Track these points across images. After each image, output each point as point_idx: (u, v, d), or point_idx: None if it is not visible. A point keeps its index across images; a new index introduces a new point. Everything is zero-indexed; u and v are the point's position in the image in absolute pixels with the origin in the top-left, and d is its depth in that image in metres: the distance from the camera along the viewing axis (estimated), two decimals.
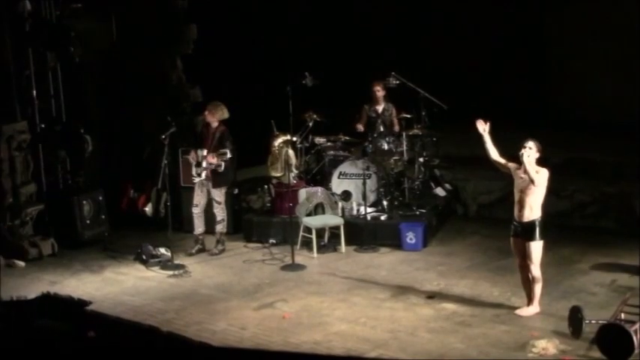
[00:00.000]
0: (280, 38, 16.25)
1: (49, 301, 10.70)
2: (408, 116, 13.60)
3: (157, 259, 11.79)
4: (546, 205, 9.48)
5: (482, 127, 9.51)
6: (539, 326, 9.12)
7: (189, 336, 9.24)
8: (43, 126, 13.08)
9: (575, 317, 8.73)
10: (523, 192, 9.25)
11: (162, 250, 11.92)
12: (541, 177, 9.18)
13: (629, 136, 15.64)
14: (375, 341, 8.93)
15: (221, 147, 11.93)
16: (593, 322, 8.59)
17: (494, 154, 9.52)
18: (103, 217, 13.09)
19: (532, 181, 9.13)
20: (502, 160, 9.48)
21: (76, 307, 10.33)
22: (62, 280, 11.24)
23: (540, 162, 9.31)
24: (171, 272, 11.41)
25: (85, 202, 12.83)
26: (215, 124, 12.07)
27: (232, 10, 15.45)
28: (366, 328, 9.31)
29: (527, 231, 9.25)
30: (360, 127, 13.66)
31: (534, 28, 18.18)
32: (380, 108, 13.67)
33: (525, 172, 9.15)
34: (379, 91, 13.64)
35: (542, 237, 9.26)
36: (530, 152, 9.19)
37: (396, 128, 13.66)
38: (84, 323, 9.72)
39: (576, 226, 12.74)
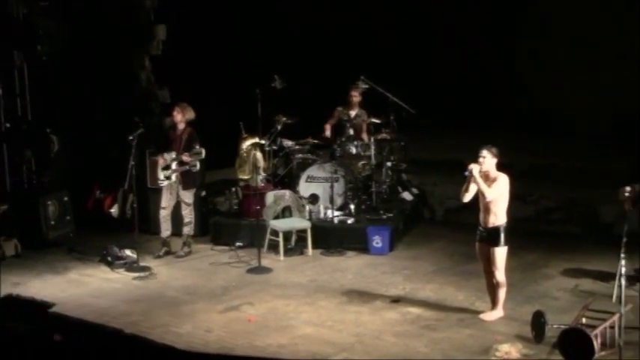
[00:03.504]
0: (250, 40, 16.25)
1: (12, 302, 10.59)
2: (378, 121, 13.66)
3: (122, 261, 11.73)
4: (512, 211, 9.54)
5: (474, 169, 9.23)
6: (503, 330, 9.18)
7: (154, 338, 9.17)
8: (8, 125, 12.98)
9: (538, 322, 8.80)
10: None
11: (128, 252, 11.85)
12: (500, 184, 9.21)
13: (596, 142, 15.83)
14: (341, 345, 8.95)
15: (190, 149, 11.90)
16: (555, 326, 8.66)
17: (468, 197, 9.43)
18: (69, 217, 13.01)
19: (483, 195, 9.18)
20: (469, 190, 9.39)
21: (39, 308, 10.23)
22: (26, 282, 11.14)
23: (500, 167, 9.35)
24: (136, 274, 11.36)
25: (50, 202, 12.75)
26: (182, 126, 12.04)
27: (202, 11, 15.41)
28: (332, 332, 9.32)
29: (491, 236, 9.31)
30: (328, 130, 13.67)
31: (503, 34, 18.31)
32: (353, 113, 13.71)
33: (478, 185, 9.17)
34: (356, 97, 13.70)
35: (506, 242, 9.31)
36: (485, 161, 9.22)
37: (364, 136, 13.69)
38: (47, 325, 9.64)
39: (541, 232, 12.84)
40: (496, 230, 9.27)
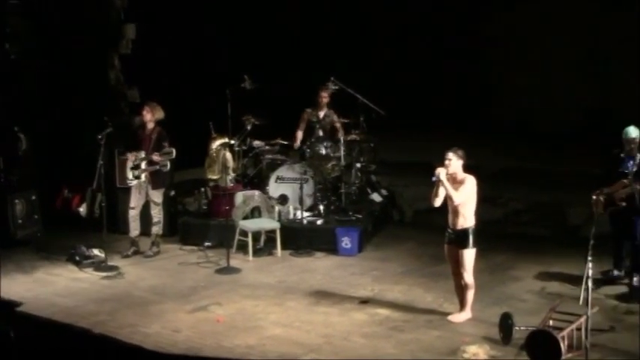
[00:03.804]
0: (221, 41, 16.22)
1: None
2: (346, 121, 13.69)
3: (90, 261, 11.68)
4: (481, 213, 9.60)
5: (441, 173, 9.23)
6: (471, 332, 9.23)
7: (121, 338, 9.14)
8: None
9: (506, 323, 8.85)
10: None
11: (96, 252, 11.80)
12: (467, 187, 9.25)
13: (565, 145, 15.96)
14: (309, 345, 8.95)
15: (159, 148, 11.85)
16: (522, 328, 8.71)
17: (439, 202, 9.44)
18: (36, 216, 12.92)
19: (451, 199, 9.23)
20: (439, 194, 9.39)
21: (5, 307, 10.16)
22: None
23: (469, 169, 9.40)
24: (104, 274, 11.31)
25: (17, 201, 12.65)
26: (151, 126, 12.00)
27: (172, 11, 15.36)
28: (300, 333, 9.32)
29: (460, 239, 9.35)
30: (298, 139, 13.65)
31: (474, 38, 18.41)
32: (321, 114, 13.72)
33: (445, 188, 9.22)
34: (325, 98, 13.69)
35: (475, 245, 9.35)
36: (451, 163, 9.26)
37: (340, 133, 13.67)
38: (13, 324, 9.56)
39: (510, 234, 12.91)
40: (465, 232, 9.31)
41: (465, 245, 9.31)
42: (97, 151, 11.65)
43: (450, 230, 9.44)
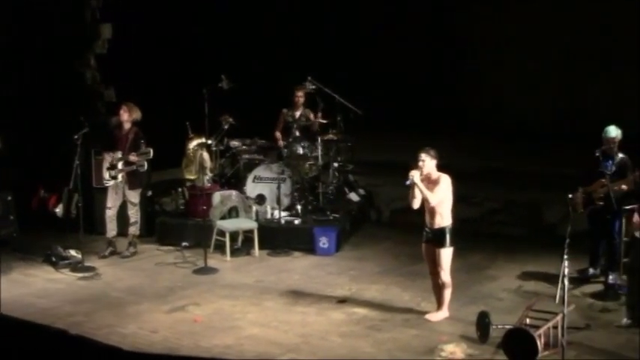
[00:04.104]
0: (198, 40, 16.18)
1: None
2: (324, 122, 13.69)
3: (66, 261, 11.62)
4: (457, 212, 9.64)
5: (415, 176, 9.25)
6: (448, 331, 9.26)
7: (99, 339, 9.10)
8: None
9: (483, 322, 8.89)
10: None
11: (73, 252, 11.75)
12: (442, 186, 9.27)
13: (541, 145, 16.05)
14: (287, 345, 8.96)
15: (136, 148, 11.81)
16: (499, 326, 8.76)
17: (417, 204, 9.45)
18: (12, 217, 12.81)
19: (428, 201, 9.27)
20: (416, 196, 9.41)
21: None
22: None
23: (444, 168, 9.43)
24: (81, 274, 11.27)
25: None
26: (128, 126, 11.97)
27: (148, 10, 15.31)
28: (278, 332, 9.33)
29: (437, 237, 9.38)
30: (279, 138, 13.67)
31: (450, 38, 18.47)
32: (297, 113, 13.73)
33: (421, 191, 9.25)
34: (300, 97, 13.71)
35: (452, 244, 9.39)
36: (425, 164, 9.28)
37: (315, 126, 13.68)
38: None
39: (486, 233, 12.93)
40: (442, 231, 9.35)
41: (443, 244, 9.35)
42: (74, 151, 11.61)
43: (427, 229, 9.48)
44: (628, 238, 9.85)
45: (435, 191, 9.25)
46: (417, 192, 9.30)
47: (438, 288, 9.58)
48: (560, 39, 17.15)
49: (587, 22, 16.83)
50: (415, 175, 9.20)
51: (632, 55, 16.27)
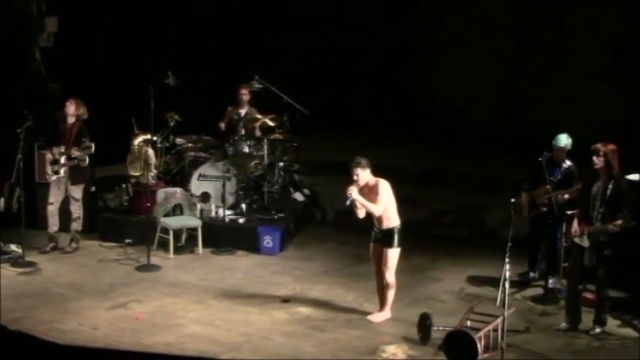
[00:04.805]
0: (146, 36, 16.08)
1: None
2: (272, 124, 13.63)
3: (7, 256, 11.47)
4: (403, 213, 9.70)
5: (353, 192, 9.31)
6: (390, 332, 9.33)
7: (38, 335, 9.00)
8: None
9: (424, 324, 8.96)
10: None
11: (13, 247, 11.61)
12: (382, 194, 9.32)
13: (484, 148, 16.19)
14: (229, 344, 8.95)
15: (79, 143, 11.70)
16: (440, 328, 8.84)
17: (363, 214, 9.50)
18: None
19: (372, 213, 9.35)
20: (360, 209, 9.49)
21: None
22: None
23: (381, 172, 9.51)
24: (22, 270, 11.13)
25: None
26: (72, 120, 11.84)
27: (95, 4, 15.17)
28: (220, 331, 9.30)
29: (386, 238, 9.44)
30: (222, 126, 13.68)
31: (402, 39, 18.52)
32: (243, 111, 13.71)
33: (363, 205, 9.32)
34: (245, 95, 13.69)
35: (400, 244, 9.46)
36: (359, 177, 9.33)
37: (257, 133, 13.72)
38: None
39: (431, 235, 13.00)
40: (390, 232, 9.41)
41: (391, 244, 9.41)
42: (17, 144, 11.45)
43: (376, 229, 9.53)
44: (568, 243, 10.01)
45: (378, 202, 9.31)
46: (359, 205, 9.36)
47: (383, 289, 9.63)
48: (511, 43, 17.28)
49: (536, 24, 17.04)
50: (353, 192, 9.26)
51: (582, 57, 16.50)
